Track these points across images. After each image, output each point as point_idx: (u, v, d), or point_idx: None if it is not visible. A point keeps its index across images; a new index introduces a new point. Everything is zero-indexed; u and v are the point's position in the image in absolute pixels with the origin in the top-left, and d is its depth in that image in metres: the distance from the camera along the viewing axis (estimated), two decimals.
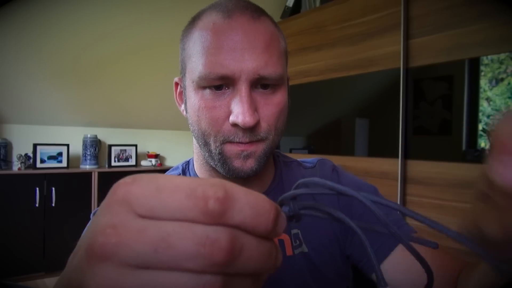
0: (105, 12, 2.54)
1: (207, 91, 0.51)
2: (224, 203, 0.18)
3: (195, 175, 0.63)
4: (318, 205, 0.21)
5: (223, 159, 0.52)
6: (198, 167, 0.62)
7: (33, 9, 2.34)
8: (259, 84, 0.51)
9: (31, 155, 2.83)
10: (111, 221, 0.18)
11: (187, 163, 0.66)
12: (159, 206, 0.18)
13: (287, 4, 2.92)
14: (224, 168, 0.53)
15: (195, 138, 0.57)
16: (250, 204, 0.19)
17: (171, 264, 0.17)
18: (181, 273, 0.17)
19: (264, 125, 0.52)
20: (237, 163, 0.52)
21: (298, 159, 0.69)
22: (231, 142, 0.51)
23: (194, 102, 0.53)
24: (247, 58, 0.49)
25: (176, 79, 0.61)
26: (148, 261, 0.17)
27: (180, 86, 0.60)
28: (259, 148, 0.52)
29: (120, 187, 0.19)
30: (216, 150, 0.52)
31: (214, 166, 0.55)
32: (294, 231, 0.59)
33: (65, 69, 2.71)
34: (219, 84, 0.50)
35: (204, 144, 0.54)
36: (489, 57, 1.72)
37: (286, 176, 0.64)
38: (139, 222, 0.18)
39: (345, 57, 2.35)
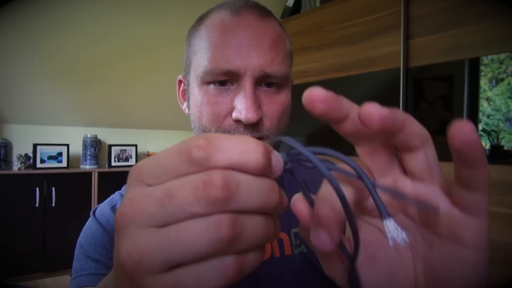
0: (105, 12, 2.54)
1: (211, 86, 0.51)
2: (206, 149, 0.19)
3: None
4: (312, 149, 0.22)
5: None
6: None
7: (33, 9, 2.34)
8: (264, 82, 0.51)
9: (31, 155, 2.83)
10: (128, 195, 0.21)
11: None
12: (161, 172, 0.20)
13: (287, 4, 2.92)
14: None
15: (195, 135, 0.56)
16: (234, 145, 0.20)
17: (179, 214, 0.19)
18: (193, 221, 0.19)
19: (267, 123, 0.51)
20: None
21: None
22: None
23: (197, 97, 0.52)
24: (253, 54, 0.49)
25: (179, 77, 0.61)
26: (159, 217, 0.19)
27: (184, 83, 0.60)
28: None
29: (133, 170, 0.22)
30: None
31: None
32: (295, 229, 0.59)
33: (65, 69, 2.71)
34: (224, 79, 0.50)
35: None
36: (489, 57, 1.72)
37: (286, 176, 0.63)
38: (148, 189, 0.20)
39: (345, 57, 2.35)
